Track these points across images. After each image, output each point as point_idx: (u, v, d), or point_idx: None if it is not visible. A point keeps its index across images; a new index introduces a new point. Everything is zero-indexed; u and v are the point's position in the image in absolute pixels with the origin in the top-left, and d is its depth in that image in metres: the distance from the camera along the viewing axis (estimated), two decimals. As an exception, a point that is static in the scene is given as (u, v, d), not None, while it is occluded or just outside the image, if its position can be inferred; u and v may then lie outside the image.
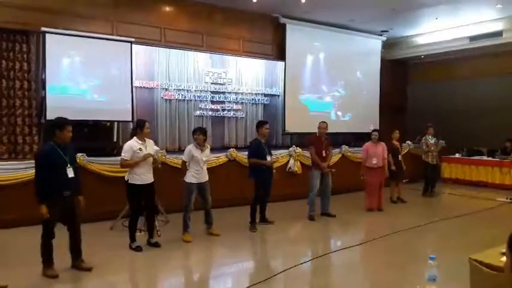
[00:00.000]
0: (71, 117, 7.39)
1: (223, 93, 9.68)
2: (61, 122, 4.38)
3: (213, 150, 8.25)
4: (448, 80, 12.24)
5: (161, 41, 8.81)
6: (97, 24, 8.02)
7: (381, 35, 12.00)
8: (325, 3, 8.75)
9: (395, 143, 8.30)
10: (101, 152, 6.89)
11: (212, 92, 9.53)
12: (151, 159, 5.12)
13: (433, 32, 11.34)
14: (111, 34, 8.10)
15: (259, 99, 10.26)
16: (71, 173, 4.25)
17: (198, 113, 9.34)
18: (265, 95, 10.35)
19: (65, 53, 7.50)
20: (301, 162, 8.41)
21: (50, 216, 4.07)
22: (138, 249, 5.05)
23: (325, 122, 7.09)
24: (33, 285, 4.08)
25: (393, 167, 7.95)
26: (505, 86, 11.05)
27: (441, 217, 7.02)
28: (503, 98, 10.94)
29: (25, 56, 7.53)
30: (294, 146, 8.71)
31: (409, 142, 10.42)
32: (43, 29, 7.24)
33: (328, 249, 5.62)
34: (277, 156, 7.62)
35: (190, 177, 5.55)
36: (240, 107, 9.96)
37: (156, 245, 5.22)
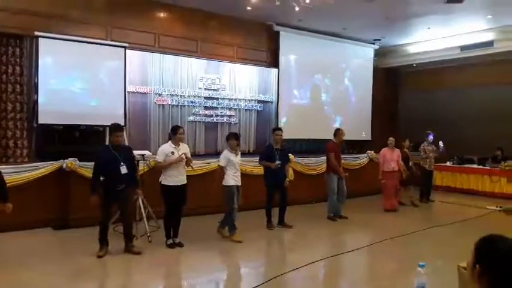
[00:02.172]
0: (62, 122, 7.55)
1: (217, 99, 9.70)
2: (110, 128, 5.34)
3: (205, 156, 8.32)
4: (439, 89, 12.38)
5: (155, 46, 8.83)
6: (91, 29, 8.02)
7: (374, 44, 12.12)
8: (319, 12, 8.82)
9: (406, 151, 8.77)
10: (92, 157, 6.84)
11: (206, 98, 9.55)
12: (184, 162, 5.38)
13: (426, 41, 11.47)
14: (105, 39, 8.10)
15: (252, 106, 10.29)
16: (124, 170, 4.91)
17: (191, 118, 9.34)
18: (259, 102, 10.39)
19: (58, 57, 7.50)
20: (292, 169, 8.42)
21: (103, 204, 4.87)
22: (172, 246, 5.37)
23: (342, 129, 7.55)
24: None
25: (407, 173, 8.45)
26: (495, 95, 11.17)
27: (432, 224, 7.08)
28: (494, 107, 11.06)
29: (18, 59, 7.49)
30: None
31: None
32: (36, 33, 7.25)
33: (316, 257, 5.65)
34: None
35: (230, 180, 5.80)
36: (233, 113, 9.98)
37: (180, 244, 5.47)
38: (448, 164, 11.14)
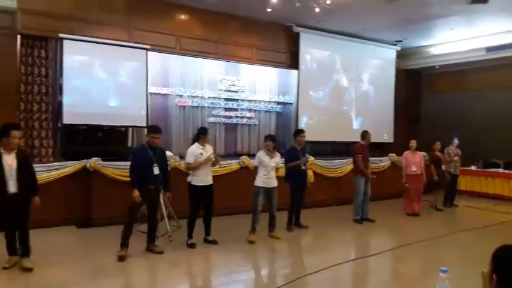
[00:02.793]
0: (86, 122, 7.69)
1: (237, 100, 9.73)
2: (148, 129, 5.48)
3: (225, 157, 8.33)
4: (464, 91, 12.10)
5: (176, 48, 8.91)
6: (114, 31, 8.15)
7: (395, 45, 11.95)
8: (339, 13, 8.76)
9: (437, 153, 8.63)
10: (114, 157, 6.96)
11: (225, 99, 9.60)
12: (211, 162, 5.53)
13: (449, 42, 11.25)
14: (127, 41, 8.22)
15: (272, 107, 10.29)
16: (156, 171, 5.01)
17: (211, 119, 9.40)
18: (278, 103, 10.38)
19: (81, 58, 7.66)
20: (312, 171, 8.37)
21: (134, 202, 4.90)
22: (193, 246, 5.43)
23: (369, 132, 7.49)
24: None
25: (435, 177, 8.36)
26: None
27: (455, 229, 6.94)
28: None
29: (43, 61, 7.68)
30: (306, 154, 8.67)
31: (424, 153, 10.29)
32: (61, 35, 7.41)
33: (345, 258, 5.59)
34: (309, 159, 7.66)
35: (259, 181, 5.89)
36: (253, 114, 10.00)
37: (214, 242, 5.59)
38: (472, 168, 10.89)
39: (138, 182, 4.97)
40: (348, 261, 5.17)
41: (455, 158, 9.04)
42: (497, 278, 1.52)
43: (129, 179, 5.10)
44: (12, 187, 4.30)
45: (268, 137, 6.14)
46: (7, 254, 4.49)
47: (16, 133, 4.35)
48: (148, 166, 5.02)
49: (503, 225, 7.55)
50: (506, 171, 10.31)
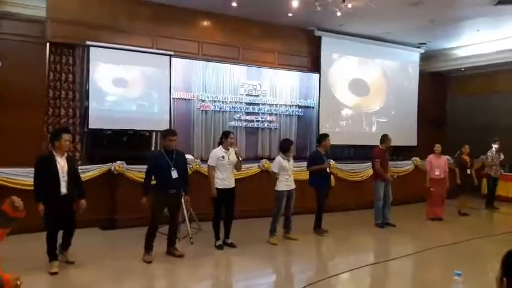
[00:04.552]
0: (111, 127, 7.89)
1: (258, 104, 9.80)
2: (163, 134, 5.51)
3: (246, 160, 8.39)
4: (491, 94, 11.79)
5: (199, 54, 9.07)
6: (138, 39, 8.37)
7: (419, 47, 11.78)
8: (361, 16, 8.72)
9: (465, 157, 8.60)
10: (139, 160, 7.12)
11: (247, 104, 9.68)
12: (232, 166, 5.66)
13: (475, 44, 11.01)
14: (152, 47, 8.42)
15: (293, 111, 10.30)
16: (175, 174, 5.03)
17: (232, 123, 9.49)
18: (300, 107, 10.38)
19: (107, 65, 7.88)
20: (335, 175, 8.32)
21: (155, 209, 5.01)
22: (221, 247, 5.57)
23: (389, 136, 7.49)
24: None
25: (458, 181, 8.41)
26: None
27: (478, 235, 6.77)
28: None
29: (70, 67, 7.94)
30: (328, 158, 8.64)
31: (448, 157, 10.10)
32: (88, 42, 7.66)
33: (365, 262, 5.57)
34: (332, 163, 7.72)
35: (282, 186, 6.01)
36: (274, 118, 10.04)
37: (232, 245, 5.68)
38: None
39: (157, 188, 5.06)
40: (366, 266, 5.15)
41: (497, 162, 9.21)
42: (507, 282, 1.52)
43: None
44: (63, 188, 4.53)
45: (284, 141, 6.36)
46: (49, 259, 4.51)
47: (66, 136, 4.61)
48: (166, 170, 5.06)
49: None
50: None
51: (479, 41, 10.79)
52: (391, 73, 11.47)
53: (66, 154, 4.66)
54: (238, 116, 9.59)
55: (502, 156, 9.35)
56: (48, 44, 7.69)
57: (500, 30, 9.88)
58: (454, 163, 8.69)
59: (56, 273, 4.44)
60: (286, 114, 10.23)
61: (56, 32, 7.64)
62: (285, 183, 6.01)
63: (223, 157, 5.58)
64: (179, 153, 5.31)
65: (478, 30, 9.93)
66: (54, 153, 4.55)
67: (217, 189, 5.54)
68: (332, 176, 8.12)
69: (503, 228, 7.55)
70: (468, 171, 8.55)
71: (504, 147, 9.47)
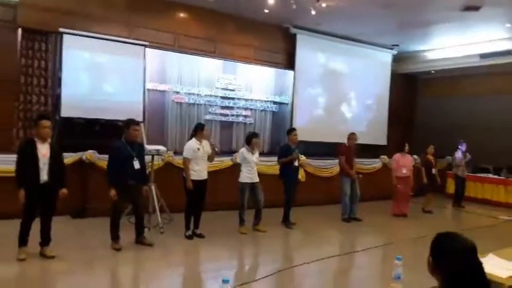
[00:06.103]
0: (83, 115, 7.82)
1: (233, 99, 9.88)
2: (126, 123, 5.29)
3: (220, 154, 8.49)
4: (458, 96, 12.27)
5: (174, 45, 9.06)
6: (113, 27, 8.30)
7: (392, 49, 12.12)
8: (336, 16, 8.92)
9: (430, 157, 8.94)
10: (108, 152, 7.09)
11: (222, 98, 9.73)
12: (206, 157, 5.79)
13: (443, 48, 11.41)
14: (127, 37, 8.36)
15: (268, 107, 10.43)
16: (137, 165, 5.04)
17: (208, 117, 9.53)
18: (275, 103, 10.52)
19: (81, 53, 7.79)
20: (305, 170, 8.54)
21: (116, 199, 4.94)
22: (190, 237, 5.70)
23: (355, 134, 7.69)
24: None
25: (425, 180, 8.76)
26: (513, 105, 11.07)
27: (442, 230, 7.07)
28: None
29: (43, 54, 7.82)
30: (299, 153, 8.82)
31: (415, 156, 10.47)
32: (61, 29, 7.54)
33: (330, 253, 5.75)
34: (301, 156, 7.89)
35: (244, 177, 6.19)
36: (249, 113, 10.14)
37: (201, 235, 5.79)
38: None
39: (118, 178, 4.97)
40: (330, 257, 5.35)
41: (462, 163, 9.66)
42: (432, 262, 1.70)
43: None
44: (44, 176, 4.49)
45: (251, 135, 6.53)
46: (19, 245, 4.51)
47: (45, 123, 4.55)
48: (128, 161, 5.04)
49: (488, 228, 7.73)
50: (495, 176, 10.50)
51: (447, 45, 11.21)
52: (365, 73, 11.74)
53: (49, 140, 4.62)
54: (213, 109, 9.64)
55: (469, 156, 9.76)
56: (20, 30, 7.55)
57: (467, 36, 10.28)
58: (420, 162, 9.07)
59: (23, 259, 4.44)
60: (261, 110, 10.35)
61: (28, 17, 7.50)
62: (247, 175, 6.18)
63: (198, 149, 5.67)
64: (139, 144, 5.37)
65: (445, 35, 10.31)
66: (36, 140, 4.53)
67: (193, 180, 5.62)
68: (302, 171, 8.39)
69: (463, 225, 7.98)
70: (433, 170, 8.92)
71: (467, 147, 9.86)
